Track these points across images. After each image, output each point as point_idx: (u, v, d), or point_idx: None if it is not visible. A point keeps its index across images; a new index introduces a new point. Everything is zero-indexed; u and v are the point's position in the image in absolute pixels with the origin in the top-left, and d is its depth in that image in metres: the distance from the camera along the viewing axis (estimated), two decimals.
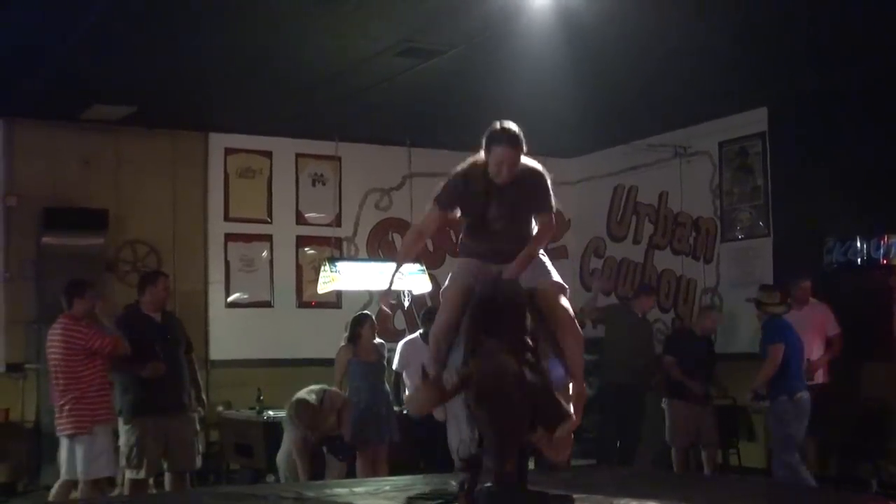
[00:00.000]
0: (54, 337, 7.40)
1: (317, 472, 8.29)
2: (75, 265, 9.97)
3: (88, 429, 7.29)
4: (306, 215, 11.87)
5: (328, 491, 5.99)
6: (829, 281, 9.03)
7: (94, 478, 7.29)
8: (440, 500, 4.83)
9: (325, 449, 8.44)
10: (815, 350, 8.84)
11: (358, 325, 8.87)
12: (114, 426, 7.47)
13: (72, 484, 7.40)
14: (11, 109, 10.12)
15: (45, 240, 10.25)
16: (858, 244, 8.93)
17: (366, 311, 9.46)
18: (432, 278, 10.08)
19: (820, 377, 8.85)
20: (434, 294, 8.78)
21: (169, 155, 11.09)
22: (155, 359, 7.51)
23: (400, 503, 5.31)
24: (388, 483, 6.42)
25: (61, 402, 7.36)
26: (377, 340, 8.93)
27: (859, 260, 8.98)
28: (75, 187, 10.49)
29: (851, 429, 8.95)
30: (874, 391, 9.02)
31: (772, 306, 8.43)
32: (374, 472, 8.56)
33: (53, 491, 7.58)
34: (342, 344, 8.85)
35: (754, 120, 10.58)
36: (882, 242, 8.91)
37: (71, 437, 7.38)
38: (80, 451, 7.31)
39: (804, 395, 8.09)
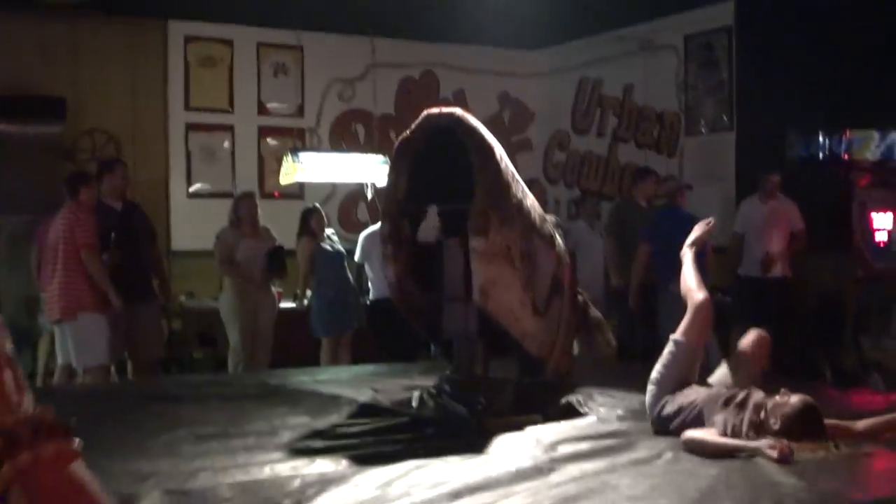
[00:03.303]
0: (60, 225, 7.33)
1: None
2: (33, 154, 9.86)
3: (74, 315, 7.26)
4: (268, 106, 11.73)
5: (292, 378, 6.05)
6: (791, 175, 9.08)
7: (85, 367, 7.30)
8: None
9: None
10: (775, 243, 8.93)
11: (305, 221, 9.02)
12: (101, 316, 7.30)
13: (70, 368, 7.43)
14: None
15: (2, 128, 10.07)
16: (821, 139, 8.97)
17: (314, 204, 9.50)
18: None
19: (779, 271, 8.96)
20: None
21: (127, 42, 10.85)
22: (112, 248, 7.48)
23: (362, 391, 5.37)
24: (352, 372, 6.49)
25: (51, 288, 7.35)
26: (329, 230, 9.07)
27: (821, 155, 9.03)
28: (31, 75, 10.27)
29: (808, 320, 9.09)
30: (831, 284, 9.14)
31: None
32: (337, 359, 8.66)
33: (56, 375, 7.63)
34: (300, 239, 8.92)
35: (721, 13, 10.49)
36: (844, 138, 8.96)
37: (58, 322, 7.38)
38: (70, 340, 7.31)
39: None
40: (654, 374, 4.41)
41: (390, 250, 4.84)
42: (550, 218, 5.32)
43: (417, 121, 4.83)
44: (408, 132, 4.86)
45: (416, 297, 4.98)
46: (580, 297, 5.59)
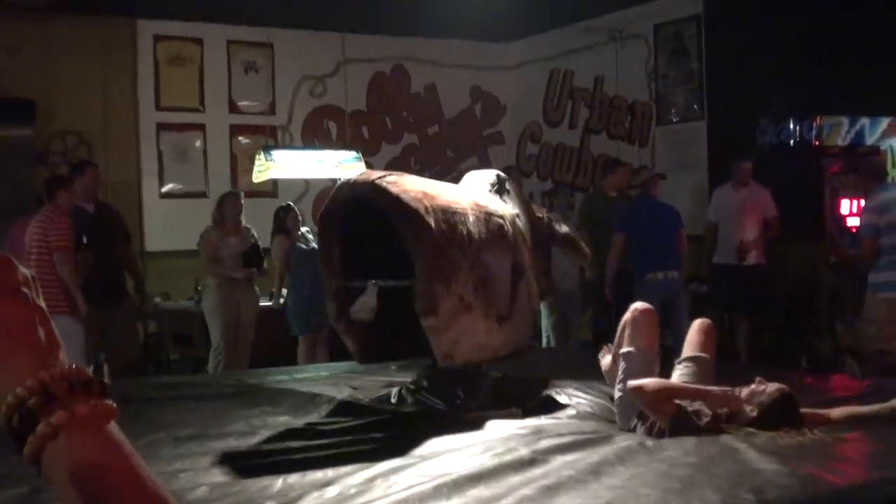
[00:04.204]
0: (36, 228, 7.29)
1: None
2: (4, 157, 9.79)
3: None
4: (239, 104, 11.68)
5: (270, 377, 6.03)
6: (763, 162, 9.11)
7: None
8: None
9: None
10: (749, 231, 8.96)
11: (280, 219, 8.98)
12: (76, 319, 7.22)
13: None
14: None
15: None
16: (791, 126, 9.00)
17: (287, 203, 9.45)
18: (369, 166, 10.01)
19: (753, 258, 8.99)
20: None
21: (96, 42, 10.78)
22: (84, 250, 7.44)
23: (341, 389, 5.36)
24: (330, 369, 6.47)
25: None
26: (304, 228, 9.01)
27: (792, 141, 9.06)
28: (0, 77, 10.18)
29: (783, 308, 9.14)
30: (802, 271, 9.18)
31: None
32: (314, 356, 8.64)
33: None
34: (274, 238, 8.91)
35: (690, 2, 10.53)
36: (814, 124, 8.99)
37: None
38: None
39: (656, 276, 8.45)
40: (617, 393, 4.32)
41: (343, 328, 4.74)
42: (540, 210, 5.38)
43: (333, 191, 4.69)
44: (326, 203, 4.72)
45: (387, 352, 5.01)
46: (543, 217, 5.55)
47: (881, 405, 4.19)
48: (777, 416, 3.86)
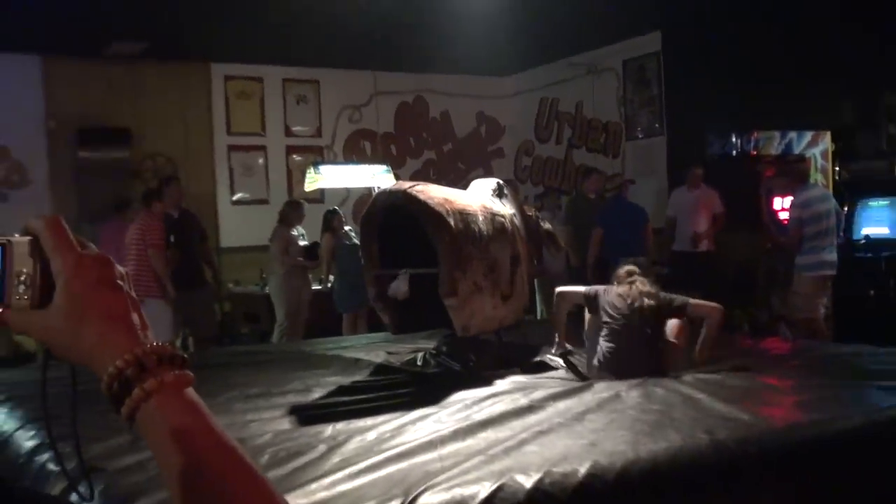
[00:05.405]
0: (135, 230, 7.32)
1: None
2: (107, 175, 9.83)
3: (142, 300, 7.14)
4: (293, 129, 11.68)
5: (321, 346, 6.03)
6: (711, 169, 9.07)
7: None
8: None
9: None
10: (701, 224, 8.93)
11: (327, 220, 8.97)
12: (165, 301, 7.23)
13: None
14: (48, 48, 9.76)
15: (81, 154, 10.03)
16: (734, 139, 8.96)
17: (333, 207, 9.45)
18: (397, 177, 9.99)
19: (705, 246, 8.96)
20: None
21: (179, 82, 10.80)
22: (172, 247, 7.49)
23: (378, 354, 5.36)
24: (369, 339, 6.47)
25: None
26: (347, 227, 9.03)
27: (734, 152, 9.02)
28: (102, 111, 10.20)
29: (729, 284, 9.09)
30: (744, 255, 9.14)
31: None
32: (356, 329, 8.64)
33: None
34: (323, 235, 8.91)
35: (651, 42, 10.48)
36: (752, 137, 8.95)
37: None
38: None
39: (626, 261, 8.26)
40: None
41: (381, 307, 4.75)
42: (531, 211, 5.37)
43: (372, 199, 4.71)
44: (367, 208, 4.72)
45: (414, 325, 5.01)
46: (532, 215, 5.51)
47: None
48: (623, 276, 4.60)
